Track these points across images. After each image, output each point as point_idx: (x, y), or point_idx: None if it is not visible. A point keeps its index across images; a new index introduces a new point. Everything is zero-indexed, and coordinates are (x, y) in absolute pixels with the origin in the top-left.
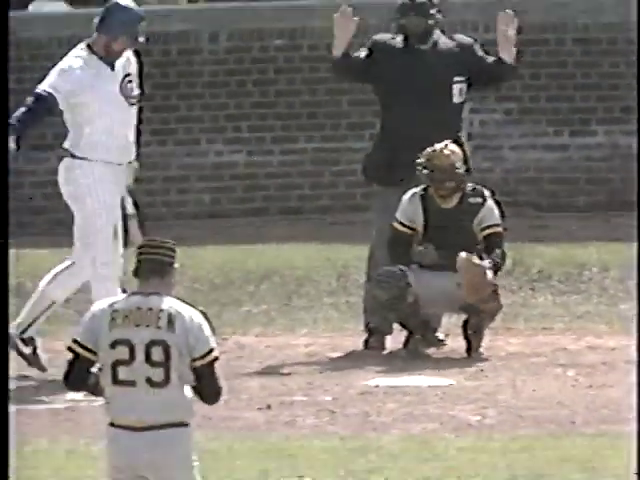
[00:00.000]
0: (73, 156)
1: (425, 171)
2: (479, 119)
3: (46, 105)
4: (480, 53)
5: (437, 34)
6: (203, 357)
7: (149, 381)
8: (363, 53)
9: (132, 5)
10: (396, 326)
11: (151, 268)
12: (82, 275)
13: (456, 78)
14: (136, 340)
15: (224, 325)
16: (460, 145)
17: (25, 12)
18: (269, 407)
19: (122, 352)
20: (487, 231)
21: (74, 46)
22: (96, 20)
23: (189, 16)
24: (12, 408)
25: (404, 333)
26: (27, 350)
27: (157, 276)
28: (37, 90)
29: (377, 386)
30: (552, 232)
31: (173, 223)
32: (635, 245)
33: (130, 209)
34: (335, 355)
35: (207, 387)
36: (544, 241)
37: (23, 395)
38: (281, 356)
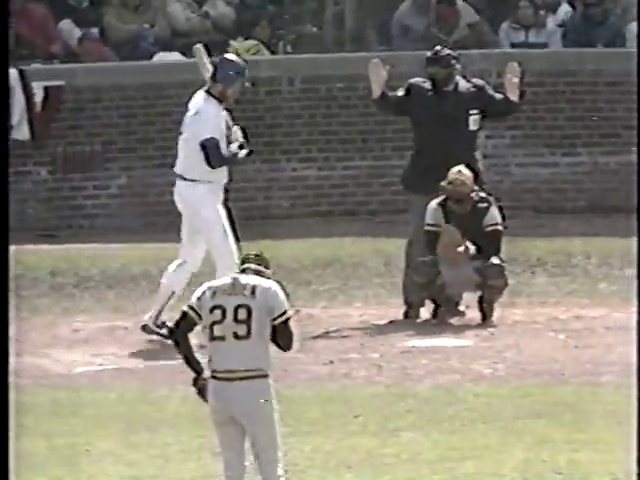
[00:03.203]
0: (185, 179)
1: (446, 186)
2: (492, 143)
3: (219, 146)
4: (490, 92)
5: (457, 78)
6: (280, 316)
7: (235, 335)
8: (401, 93)
9: (237, 58)
10: (427, 301)
11: (251, 272)
12: (190, 269)
13: (472, 111)
14: (227, 305)
15: (298, 299)
16: (474, 164)
17: (151, 62)
18: (331, 362)
19: (217, 315)
20: (489, 228)
21: (186, 87)
22: (208, 74)
23: (273, 65)
24: (141, 365)
25: (433, 306)
26: (164, 331)
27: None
28: (212, 138)
29: (413, 347)
30: (547, 229)
31: (261, 222)
32: (635, 240)
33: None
34: (381, 323)
35: (284, 338)
36: (541, 236)
37: (148, 355)
38: (340, 323)
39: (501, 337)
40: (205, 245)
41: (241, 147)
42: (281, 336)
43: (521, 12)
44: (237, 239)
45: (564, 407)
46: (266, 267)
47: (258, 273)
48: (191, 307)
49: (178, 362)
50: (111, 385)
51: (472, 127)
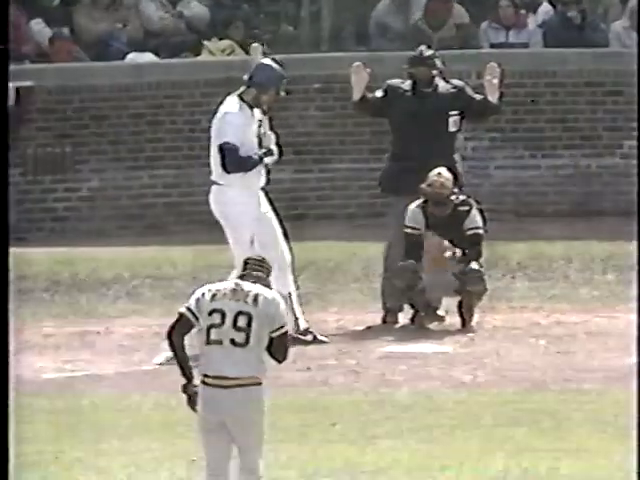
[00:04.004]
0: (216, 183)
1: (425, 188)
2: (471, 145)
3: (238, 150)
4: (470, 93)
5: (437, 79)
6: (277, 330)
7: (232, 341)
8: (379, 94)
9: (276, 65)
10: (406, 306)
11: (251, 277)
12: (281, 266)
13: (451, 113)
14: (227, 310)
15: None
16: (453, 166)
17: (122, 62)
18: (308, 369)
19: (216, 318)
20: (470, 232)
21: (159, 88)
22: (246, 76)
23: (248, 66)
24: (112, 371)
25: (412, 311)
26: (309, 338)
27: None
28: (229, 142)
29: (392, 352)
30: (528, 233)
31: None
32: (635, 244)
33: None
34: (359, 328)
35: (280, 351)
36: (521, 240)
37: (119, 361)
38: (317, 329)
39: (481, 343)
40: (275, 236)
41: (266, 154)
42: (277, 348)
43: (501, 12)
44: (287, 238)
45: (545, 414)
46: (267, 274)
47: (258, 279)
48: (188, 309)
49: (150, 368)
50: (82, 391)
51: (451, 128)
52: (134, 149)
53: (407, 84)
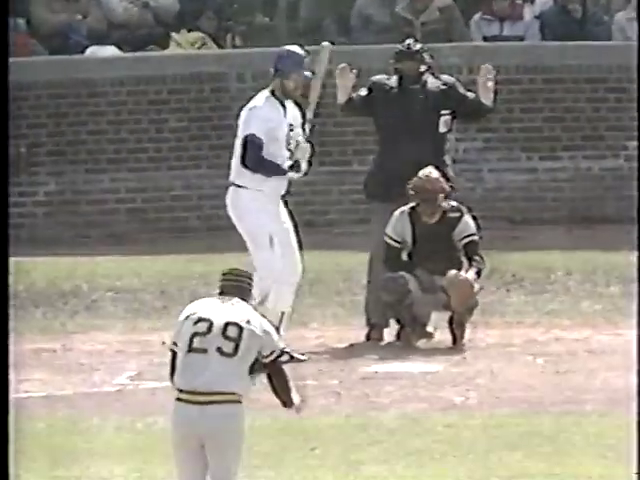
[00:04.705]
0: (238, 186)
1: (412, 192)
2: (463, 147)
3: (262, 147)
4: (462, 90)
5: (426, 75)
6: (269, 355)
7: (219, 350)
8: (363, 92)
9: (296, 49)
10: (392, 321)
11: (233, 292)
12: (288, 280)
13: (442, 112)
14: (215, 320)
15: None
16: (443, 170)
17: (82, 56)
18: None
19: (202, 327)
20: (465, 240)
21: (122, 84)
22: (271, 69)
23: (220, 59)
24: (71, 391)
25: (398, 327)
26: (285, 358)
27: (238, 297)
28: (254, 134)
29: (376, 372)
30: (524, 242)
31: (206, 234)
32: (635, 254)
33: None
34: (341, 346)
35: (279, 379)
36: (517, 249)
37: (78, 380)
38: (295, 346)
39: (473, 361)
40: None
41: (292, 167)
42: (276, 376)
43: (496, 2)
44: (300, 247)
45: (542, 438)
46: (249, 285)
47: (240, 293)
48: (174, 343)
49: (112, 389)
50: (38, 414)
51: (442, 129)
52: (94, 150)
53: (393, 80)
